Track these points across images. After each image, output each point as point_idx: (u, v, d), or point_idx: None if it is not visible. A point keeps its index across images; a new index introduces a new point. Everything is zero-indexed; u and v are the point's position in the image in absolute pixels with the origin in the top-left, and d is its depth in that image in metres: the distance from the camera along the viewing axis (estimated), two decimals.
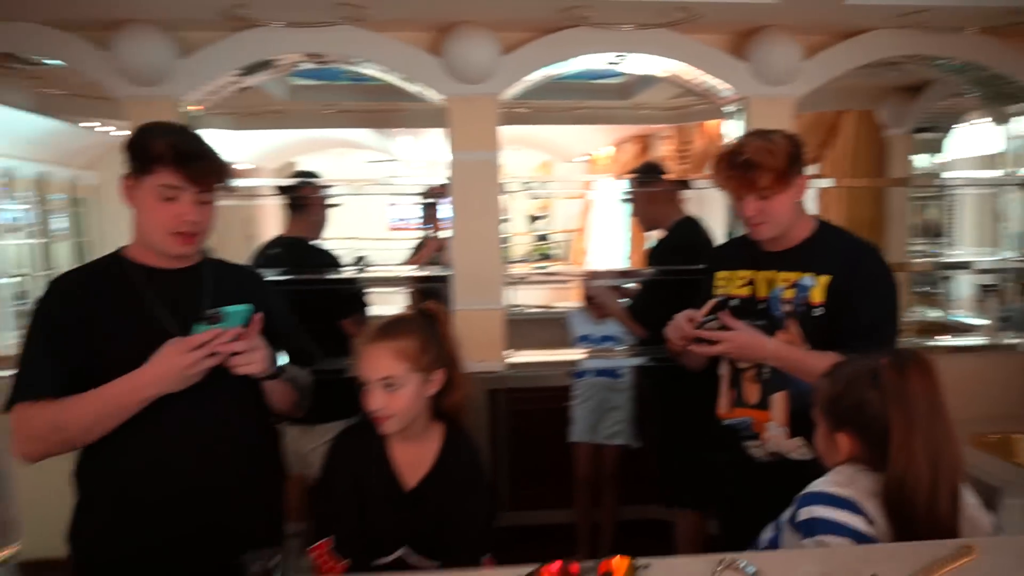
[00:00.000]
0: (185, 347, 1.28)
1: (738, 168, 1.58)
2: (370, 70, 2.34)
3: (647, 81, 3.49)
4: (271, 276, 2.46)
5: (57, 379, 1.31)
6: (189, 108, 2.26)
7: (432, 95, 2.34)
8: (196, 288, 1.42)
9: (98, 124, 3.43)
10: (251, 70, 2.29)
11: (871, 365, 1.24)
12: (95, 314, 1.35)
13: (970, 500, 1.22)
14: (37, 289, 4.52)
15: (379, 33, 2.23)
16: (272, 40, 2.20)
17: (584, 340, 3.18)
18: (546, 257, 10.31)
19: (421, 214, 4.40)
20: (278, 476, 1.59)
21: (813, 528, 1.16)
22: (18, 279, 4.44)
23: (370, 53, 2.26)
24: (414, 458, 1.43)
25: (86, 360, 1.32)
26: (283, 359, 1.45)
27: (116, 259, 1.43)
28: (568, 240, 10.82)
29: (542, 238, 10.84)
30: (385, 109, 3.60)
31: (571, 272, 3.36)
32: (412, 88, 2.37)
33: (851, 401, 1.23)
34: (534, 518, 3.41)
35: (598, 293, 2.71)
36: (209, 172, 1.36)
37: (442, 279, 2.43)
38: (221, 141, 2.66)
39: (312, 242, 2.73)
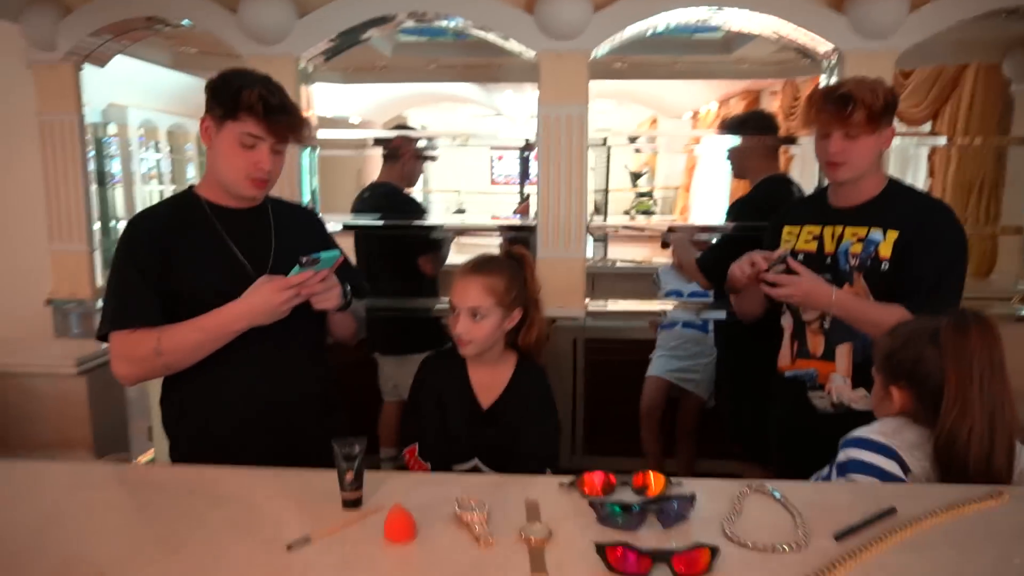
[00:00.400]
0: (282, 285, 1.37)
1: (833, 101, 1.60)
2: (466, 27, 2.46)
3: (749, 35, 3.41)
4: (362, 220, 2.69)
5: (153, 308, 1.41)
6: (304, 63, 2.48)
7: (525, 51, 2.44)
8: (266, 227, 1.53)
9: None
10: (361, 29, 2.47)
11: (932, 324, 1.28)
12: (176, 249, 1.44)
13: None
14: None
15: None
16: (379, 1, 2.37)
17: (673, 295, 3.24)
18: (648, 213, 10.20)
19: (520, 168, 4.54)
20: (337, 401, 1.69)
21: (848, 468, 1.24)
22: None
23: (467, 11, 2.38)
24: (490, 381, 1.59)
25: (171, 291, 1.42)
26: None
27: (191, 197, 1.52)
28: (671, 196, 10.64)
29: (644, 194, 10.71)
30: (485, 64, 3.72)
31: (657, 227, 3.38)
32: (507, 45, 2.48)
33: (908, 355, 1.28)
34: (606, 464, 3.54)
35: (673, 241, 2.74)
36: (290, 126, 1.43)
37: (530, 229, 2.58)
38: (332, 95, 2.89)
39: (404, 190, 2.93)
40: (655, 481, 1.15)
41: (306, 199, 2.59)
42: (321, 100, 2.74)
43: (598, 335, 3.30)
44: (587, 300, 2.52)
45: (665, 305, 2.87)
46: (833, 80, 2.41)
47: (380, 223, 2.71)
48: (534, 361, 1.64)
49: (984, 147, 3.43)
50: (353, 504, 1.09)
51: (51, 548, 0.98)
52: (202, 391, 1.48)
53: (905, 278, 1.57)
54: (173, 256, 1.43)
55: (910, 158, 3.98)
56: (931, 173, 3.91)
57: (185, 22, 2.45)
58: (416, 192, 3.21)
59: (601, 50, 2.44)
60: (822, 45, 2.39)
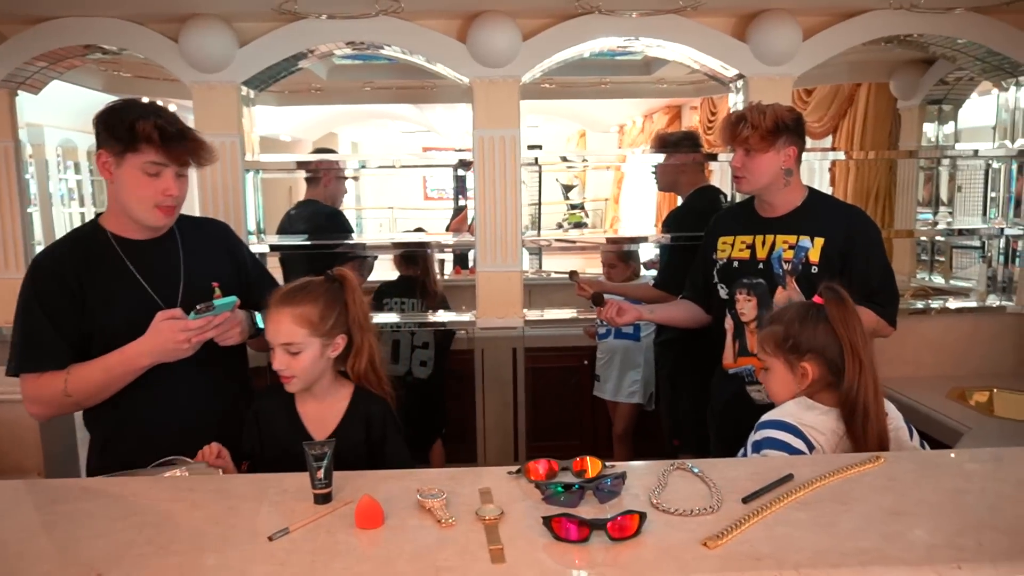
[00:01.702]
0: (180, 328, 1.43)
1: (731, 123, 1.86)
2: (402, 55, 2.60)
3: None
4: (288, 241, 2.81)
5: (60, 352, 1.46)
6: (245, 91, 2.56)
7: (458, 77, 2.59)
8: (174, 255, 1.57)
9: (163, 102, 3.76)
10: (298, 57, 2.57)
11: (808, 304, 1.52)
12: (84, 290, 1.47)
13: (896, 419, 1.48)
14: None
15: (411, 23, 2.49)
16: (317, 31, 2.48)
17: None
18: (580, 225, 10.51)
19: (455, 184, 4.70)
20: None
21: (761, 446, 1.43)
22: None
23: (403, 41, 2.52)
24: (322, 415, 1.53)
25: (83, 332, 1.47)
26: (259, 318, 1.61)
27: (96, 231, 1.54)
28: (601, 208, 10.99)
29: (576, 207, 11.02)
30: (419, 86, 3.86)
31: (592, 239, 3.59)
32: (441, 70, 2.63)
33: (807, 333, 1.49)
34: None
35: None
36: (191, 150, 1.49)
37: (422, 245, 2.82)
38: (268, 116, 2.96)
39: (325, 207, 3.13)
40: (592, 465, 1.30)
41: (251, 222, 2.66)
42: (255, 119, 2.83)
43: (537, 343, 3.48)
44: (525, 310, 2.68)
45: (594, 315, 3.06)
46: (740, 101, 2.66)
47: (306, 243, 2.80)
48: (368, 390, 1.58)
49: (876, 159, 3.79)
50: (324, 499, 1.20)
51: (46, 554, 1.06)
52: (121, 417, 1.53)
53: (853, 281, 1.69)
54: (82, 296, 1.47)
55: (815, 170, 4.33)
56: (832, 182, 4.27)
57: (128, 52, 2.50)
58: (348, 210, 3.40)
59: (531, 75, 2.62)
60: (729, 70, 2.63)
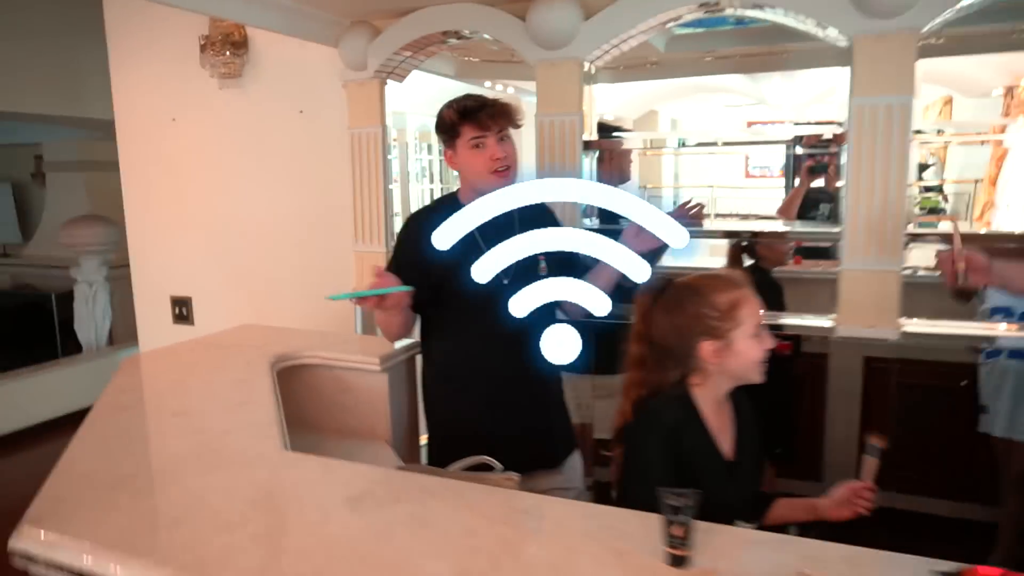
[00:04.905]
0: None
1: None
2: (772, 15, 2.23)
3: None
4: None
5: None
6: (588, 66, 2.43)
7: (835, 34, 2.15)
8: (511, 222, 1.55)
9: (503, 86, 3.89)
10: (643, 27, 2.36)
11: None
12: (430, 248, 1.56)
13: None
14: None
15: None
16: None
17: (1001, 313, 2.72)
18: (935, 211, 8.85)
19: (787, 163, 4.15)
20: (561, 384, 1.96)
21: None
22: None
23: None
24: (721, 425, 1.43)
25: (428, 282, 1.70)
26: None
27: (454, 202, 1.80)
28: (968, 192, 9.12)
29: (930, 189, 9.31)
30: (765, 52, 3.41)
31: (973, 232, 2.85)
32: (813, 29, 2.21)
33: None
34: (911, 503, 3.10)
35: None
36: (497, 115, 1.72)
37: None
38: (598, 95, 2.81)
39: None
40: None
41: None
42: (595, 98, 2.69)
43: (901, 354, 2.89)
44: (902, 320, 2.16)
45: (990, 328, 2.40)
46: None
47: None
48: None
49: None
50: (679, 562, 0.98)
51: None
52: (444, 341, 1.88)
53: None
54: (425, 260, 1.62)
55: None
56: None
57: (481, 35, 2.53)
58: (667, 188, 3.16)
59: (931, 26, 2.06)
60: None
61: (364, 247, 2.91)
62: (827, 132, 3.93)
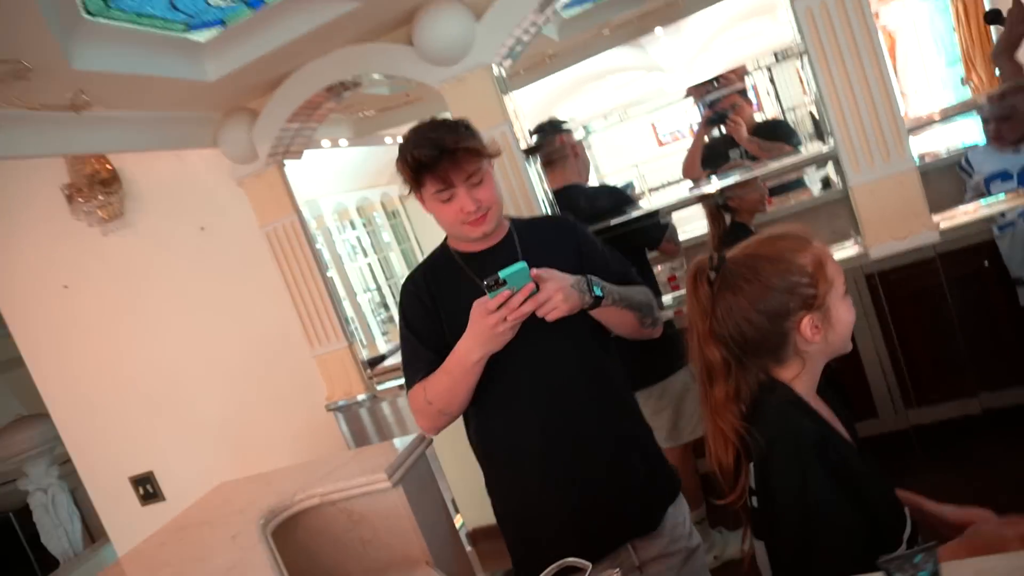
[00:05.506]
0: (485, 310, 1.34)
1: None
2: None
3: None
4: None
5: (429, 362, 1.49)
6: (498, 70, 2.15)
7: None
8: (512, 256, 1.49)
9: (390, 137, 3.57)
10: (544, 5, 2.09)
11: None
12: (437, 301, 1.52)
13: None
14: (389, 297, 5.13)
15: None
16: None
17: (999, 179, 2.52)
18: None
19: (701, 116, 3.94)
20: (642, 422, 1.61)
21: None
22: (373, 291, 5.02)
23: None
24: (827, 410, 1.17)
25: (443, 340, 1.48)
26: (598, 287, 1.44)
27: (444, 250, 1.59)
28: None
29: None
30: (661, 5, 3.22)
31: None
32: None
33: None
34: (988, 401, 2.88)
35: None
36: (464, 163, 1.41)
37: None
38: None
39: (588, 185, 2.67)
40: None
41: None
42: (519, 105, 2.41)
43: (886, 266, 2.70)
44: (935, 217, 1.91)
45: (995, 204, 2.19)
46: None
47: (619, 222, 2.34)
48: None
49: None
50: None
51: None
52: (490, 423, 1.54)
53: None
54: (436, 310, 1.52)
55: None
56: None
57: (369, 77, 2.23)
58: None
59: None
60: None
61: (323, 348, 2.55)
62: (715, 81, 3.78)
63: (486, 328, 1.34)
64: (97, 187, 2.70)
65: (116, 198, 2.76)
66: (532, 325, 1.36)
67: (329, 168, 4.28)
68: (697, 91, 4.20)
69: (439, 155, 1.39)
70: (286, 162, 2.45)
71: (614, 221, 2.50)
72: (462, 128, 1.45)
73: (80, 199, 2.70)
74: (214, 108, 2.34)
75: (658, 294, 2.25)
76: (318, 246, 2.55)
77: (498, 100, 2.11)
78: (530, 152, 2.19)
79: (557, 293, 1.34)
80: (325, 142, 3.08)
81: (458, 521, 2.59)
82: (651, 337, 1.62)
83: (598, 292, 1.42)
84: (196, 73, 1.95)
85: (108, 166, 2.75)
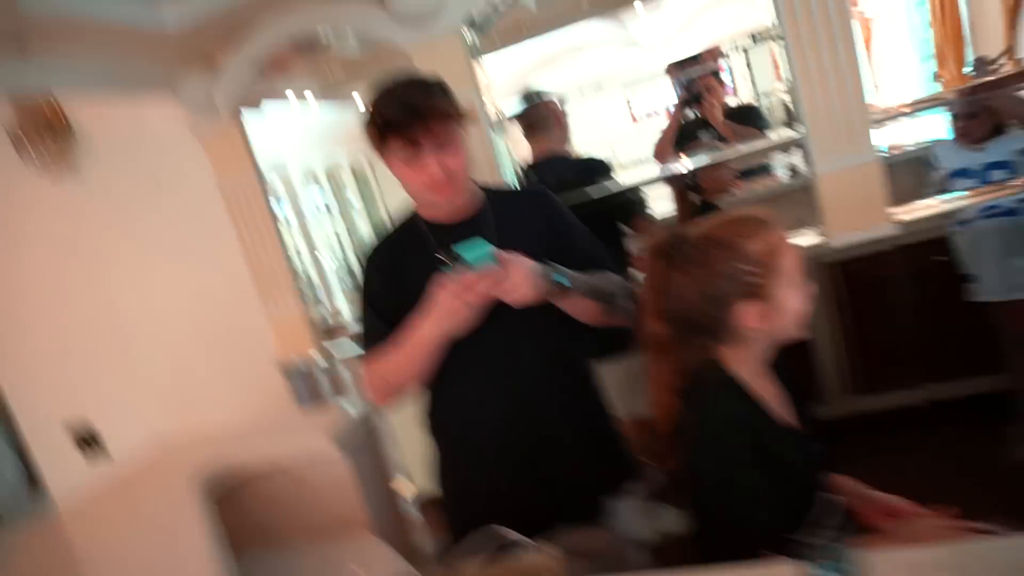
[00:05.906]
0: (449, 290, 1.28)
1: None
2: None
3: None
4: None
5: (385, 336, 1.41)
6: (470, 37, 2.09)
7: None
8: (489, 234, 1.36)
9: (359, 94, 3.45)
10: None
11: None
12: (403, 273, 1.43)
13: None
14: (356, 265, 5.05)
15: None
16: None
17: (961, 176, 2.55)
18: None
19: (679, 93, 3.91)
20: (602, 407, 1.55)
21: None
22: (340, 259, 4.96)
23: None
24: (767, 388, 1.16)
25: (402, 314, 1.39)
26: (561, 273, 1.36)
27: (412, 222, 1.47)
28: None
29: None
30: None
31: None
32: None
33: None
34: (931, 392, 2.94)
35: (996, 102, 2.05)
36: (435, 126, 1.30)
37: None
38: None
39: (572, 155, 2.60)
40: None
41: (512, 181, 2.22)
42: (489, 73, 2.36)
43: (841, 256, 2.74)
44: (889, 210, 1.93)
45: (954, 200, 2.22)
46: None
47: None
48: None
49: None
50: None
51: None
52: (446, 404, 1.49)
53: None
54: (402, 283, 1.42)
55: None
56: None
57: (336, 34, 2.16)
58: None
59: None
60: None
61: (277, 309, 2.49)
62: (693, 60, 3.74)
63: (448, 308, 1.29)
64: (48, 132, 2.59)
65: (68, 147, 2.65)
66: (495, 308, 1.32)
67: (300, 125, 4.16)
68: (674, 70, 4.16)
69: (408, 115, 1.29)
70: (250, 119, 2.37)
71: (595, 195, 2.46)
72: (436, 88, 1.35)
73: (29, 143, 2.59)
74: (173, 55, 2.25)
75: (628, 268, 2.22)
76: (280, 208, 2.49)
77: (468, 65, 2.06)
78: (516, 119, 2.14)
79: (523, 281, 1.28)
80: (289, 92, 2.99)
81: (412, 491, 2.58)
82: (621, 326, 1.51)
83: (563, 281, 1.35)
84: (153, 19, 1.86)
85: (60, 115, 2.64)
